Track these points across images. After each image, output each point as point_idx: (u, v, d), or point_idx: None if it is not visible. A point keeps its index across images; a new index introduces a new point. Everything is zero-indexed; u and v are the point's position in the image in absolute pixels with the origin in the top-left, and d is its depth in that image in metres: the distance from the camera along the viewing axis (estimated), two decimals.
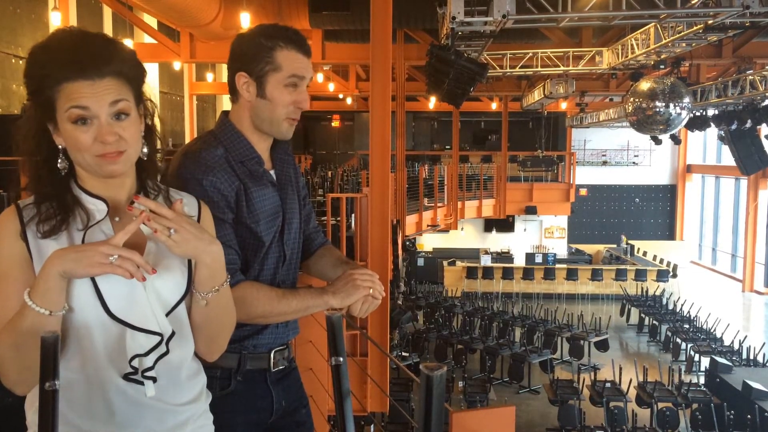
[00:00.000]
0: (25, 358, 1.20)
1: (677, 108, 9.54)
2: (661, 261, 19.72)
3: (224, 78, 17.97)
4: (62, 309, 1.22)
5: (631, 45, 9.79)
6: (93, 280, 1.25)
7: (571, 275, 17.96)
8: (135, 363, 1.29)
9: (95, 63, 1.23)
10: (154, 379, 1.31)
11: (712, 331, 12.92)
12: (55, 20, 9.56)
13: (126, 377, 1.29)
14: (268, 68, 1.62)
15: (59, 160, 1.30)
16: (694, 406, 8.95)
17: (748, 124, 12.48)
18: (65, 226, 1.28)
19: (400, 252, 12.10)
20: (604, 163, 23.92)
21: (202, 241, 1.29)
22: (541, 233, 23.04)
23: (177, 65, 14.02)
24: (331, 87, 16.55)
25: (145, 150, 1.34)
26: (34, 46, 1.26)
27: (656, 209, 24.18)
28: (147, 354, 1.30)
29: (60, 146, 1.28)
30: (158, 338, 1.30)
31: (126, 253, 1.20)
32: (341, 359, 1.57)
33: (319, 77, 15.72)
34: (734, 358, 11.14)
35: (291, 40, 1.63)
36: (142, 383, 1.30)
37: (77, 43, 1.25)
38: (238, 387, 1.66)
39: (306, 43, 1.67)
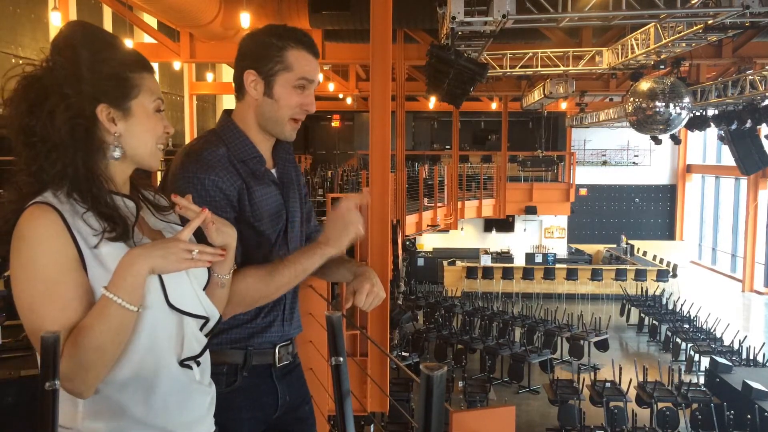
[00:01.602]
0: (109, 358, 1.22)
1: (677, 108, 9.53)
2: (661, 261, 19.72)
3: (224, 78, 18.01)
4: (142, 304, 1.25)
5: (631, 45, 9.79)
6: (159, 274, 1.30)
7: (571, 275, 17.96)
8: (187, 349, 1.35)
9: None
10: (198, 363, 1.38)
11: (712, 331, 12.92)
12: (55, 20, 9.56)
13: (181, 363, 1.34)
14: (278, 68, 1.63)
15: (116, 150, 1.32)
16: (694, 406, 8.95)
17: (748, 124, 12.48)
18: (122, 233, 1.29)
19: (400, 252, 12.11)
20: (604, 163, 23.92)
21: (228, 226, 1.40)
22: (541, 233, 23.05)
23: (177, 65, 14.00)
24: (331, 87, 16.55)
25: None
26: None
27: (656, 209, 24.19)
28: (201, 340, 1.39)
29: (116, 133, 1.31)
30: (204, 321, 1.38)
31: (202, 247, 1.29)
32: (341, 359, 1.57)
33: (319, 77, 15.71)
34: (734, 358, 11.14)
35: (302, 42, 1.64)
36: (191, 368, 1.36)
37: None
38: (244, 383, 1.67)
39: (315, 46, 1.68)
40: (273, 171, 1.75)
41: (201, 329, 1.38)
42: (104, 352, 1.20)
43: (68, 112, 1.25)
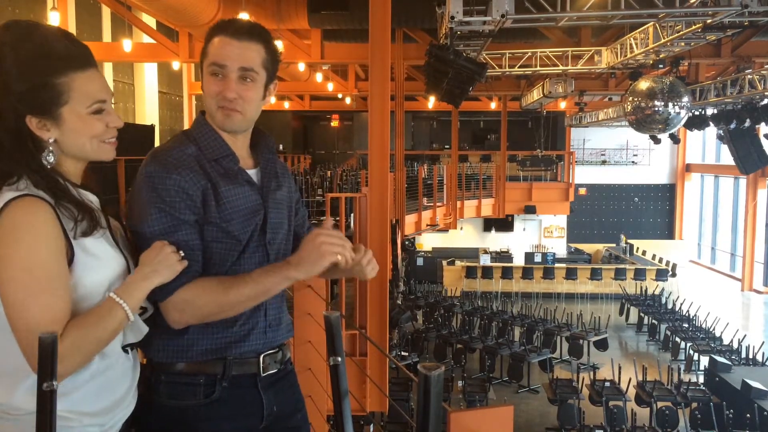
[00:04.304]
0: (98, 350, 1.34)
1: (676, 107, 9.53)
2: (660, 260, 19.73)
3: None
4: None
5: (630, 44, 9.80)
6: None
7: (571, 275, 17.97)
8: (130, 335, 1.47)
9: None
10: (133, 348, 1.52)
11: (711, 330, 12.93)
12: (54, 20, 9.55)
13: (123, 348, 1.47)
14: (204, 59, 1.60)
15: (50, 155, 1.36)
16: (694, 405, 8.95)
17: (747, 123, 12.48)
18: (96, 224, 1.38)
19: (399, 252, 12.11)
20: (603, 162, 23.93)
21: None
22: (541, 233, 23.05)
23: (176, 65, 14.01)
24: (330, 87, 16.55)
25: None
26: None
27: (655, 208, 24.19)
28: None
29: (51, 139, 1.35)
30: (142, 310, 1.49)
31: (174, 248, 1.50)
32: (339, 359, 1.55)
33: (318, 77, 15.72)
34: (733, 357, 11.15)
35: (218, 28, 1.59)
36: (128, 353, 1.49)
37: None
38: (224, 393, 1.60)
39: (235, 27, 1.59)
40: (254, 171, 1.69)
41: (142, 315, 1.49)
42: (99, 345, 1.33)
43: (6, 124, 1.31)
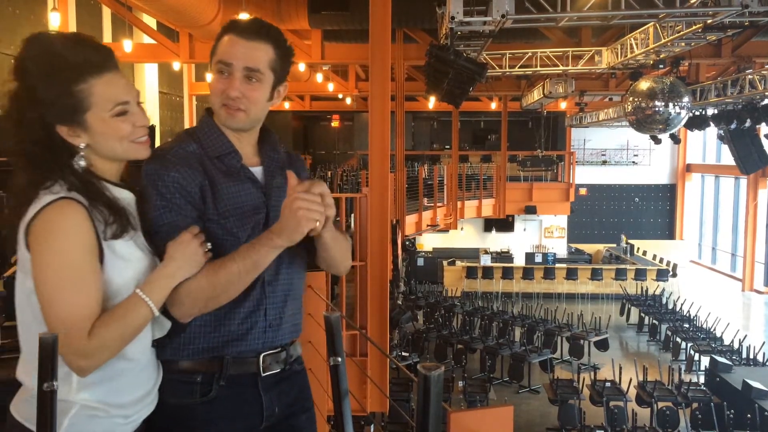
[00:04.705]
0: (123, 346, 1.40)
1: (676, 107, 9.53)
2: (661, 260, 19.72)
3: None
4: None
5: (631, 44, 9.79)
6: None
7: (571, 275, 17.96)
8: (157, 331, 1.54)
9: None
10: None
11: (711, 330, 12.92)
12: (55, 21, 9.56)
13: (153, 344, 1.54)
14: (213, 56, 1.61)
15: (81, 160, 1.43)
16: (694, 405, 8.94)
17: (748, 124, 12.48)
18: (126, 228, 1.43)
19: (399, 252, 12.11)
20: (604, 162, 23.92)
21: None
22: (541, 233, 23.04)
23: (176, 65, 14.00)
24: (331, 87, 16.55)
25: None
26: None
27: (656, 209, 24.19)
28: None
29: (82, 145, 1.42)
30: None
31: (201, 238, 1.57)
32: (339, 359, 1.56)
33: (319, 77, 15.72)
34: (734, 357, 11.14)
35: (229, 27, 1.60)
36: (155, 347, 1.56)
37: None
38: (222, 392, 1.59)
39: (244, 27, 1.59)
40: (258, 168, 1.68)
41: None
42: (123, 340, 1.38)
43: (34, 135, 1.38)
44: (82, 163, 1.41)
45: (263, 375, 1.64)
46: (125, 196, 1.47)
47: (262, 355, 1.64)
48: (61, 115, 1.37)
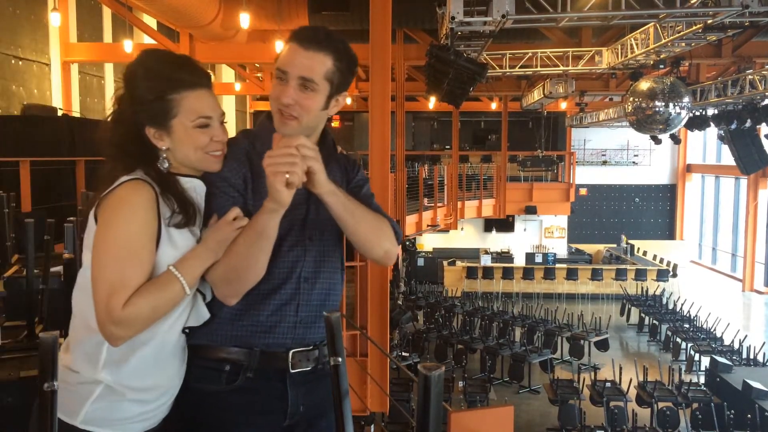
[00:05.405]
0: (155, 320, 1.47)
1: (677, 107, 9.54)
2: (661, 261, 19.73)
3: (223, 79, 17.99)
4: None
5: (631, 45, 9.79)
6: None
7: (571, 275, 17.96)
8: (192, 320, 1.61)
9: None
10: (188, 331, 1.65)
11: (712, 330, 12.92)
12: (55, 21, 9.56)
13: (183, 331, 1.59)
14: (276, 64, 1.67)
15: (164, 162, 1.57)
16: (695, 405, 8.95)
17: (748, 124, 12.48)
18: (189, 222, 1.54)
19: (399, 252, 12.11)
20: (604, 162, 23.93)
21: None
22: (541, 233, 23.04)
23: None
24: None
25: None
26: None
27: (656, 209, 24.19)
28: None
29: (164, 147, 1.56)
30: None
31: (238, 214, 1.65)
32: (340, 359, 1.56)
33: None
34: (734, 357, 11.14)
35: (293, 35, 1.65)
36: (185, 334, 1.62)
37: None
38: (248, 384, 1.62)
39: (306, 36, 1.63)
40: None
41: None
42: (156, 313, 1.46)
43: (127, 130, 1.55)
44: (166, 164, 1.56)
45: (292, 372, 1.66)
46: (196, 185, 1.60)
47: (292, 351, 1.66)
48: (152, 117, 1.54)
